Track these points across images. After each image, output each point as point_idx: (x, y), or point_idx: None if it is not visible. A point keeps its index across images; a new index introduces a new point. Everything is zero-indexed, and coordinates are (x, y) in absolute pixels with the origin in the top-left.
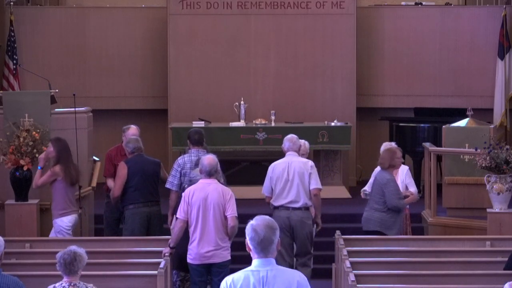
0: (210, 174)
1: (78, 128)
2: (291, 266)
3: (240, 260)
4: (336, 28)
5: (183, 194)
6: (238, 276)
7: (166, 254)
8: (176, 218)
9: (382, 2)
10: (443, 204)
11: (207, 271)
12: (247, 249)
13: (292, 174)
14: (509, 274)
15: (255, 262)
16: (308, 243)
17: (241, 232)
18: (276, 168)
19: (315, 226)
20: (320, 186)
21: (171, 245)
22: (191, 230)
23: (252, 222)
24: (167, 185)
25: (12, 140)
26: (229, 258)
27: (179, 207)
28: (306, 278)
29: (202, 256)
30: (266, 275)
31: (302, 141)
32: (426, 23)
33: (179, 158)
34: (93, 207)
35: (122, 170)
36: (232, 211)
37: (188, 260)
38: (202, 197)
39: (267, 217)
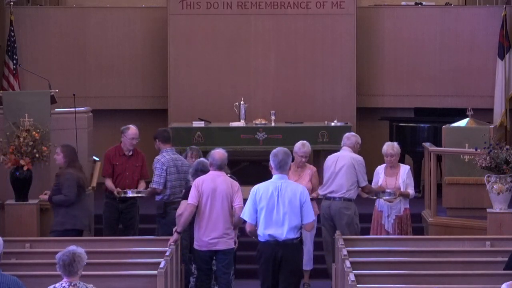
0: (220, 167)
1: (78, 128)
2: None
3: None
4: (336, 28)
5: (194, 182)
6: (262, 185)
7: (172, 244)
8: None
9: (382, 2)
10: (443, 204)
11: (212, 257)
12: (270, 168)
13: (340, 167)
14: (509, 274)
15: (275, 176)
16: (348, 232)
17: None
18: (328, 160)
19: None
20: (363, 184)
21: (178, 230)
22: (198, 217)
23: (273, 151)
24: (154, 185)
25: (12, 140)
26: (233, 246)
27: (189, 193)
28: (307, 190)
29: (208, 243)
30: (281, 185)
31: (305, 142)
32: (426, 23)
33: (160, 158)
34: (93, 207)
35: None
36: (239, 202)
37: (195, 247)
38: (212, 187)
39: (284, 148)
